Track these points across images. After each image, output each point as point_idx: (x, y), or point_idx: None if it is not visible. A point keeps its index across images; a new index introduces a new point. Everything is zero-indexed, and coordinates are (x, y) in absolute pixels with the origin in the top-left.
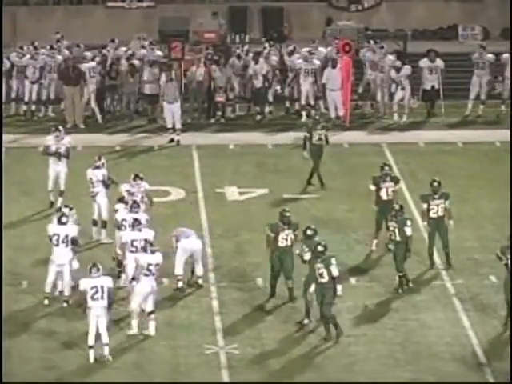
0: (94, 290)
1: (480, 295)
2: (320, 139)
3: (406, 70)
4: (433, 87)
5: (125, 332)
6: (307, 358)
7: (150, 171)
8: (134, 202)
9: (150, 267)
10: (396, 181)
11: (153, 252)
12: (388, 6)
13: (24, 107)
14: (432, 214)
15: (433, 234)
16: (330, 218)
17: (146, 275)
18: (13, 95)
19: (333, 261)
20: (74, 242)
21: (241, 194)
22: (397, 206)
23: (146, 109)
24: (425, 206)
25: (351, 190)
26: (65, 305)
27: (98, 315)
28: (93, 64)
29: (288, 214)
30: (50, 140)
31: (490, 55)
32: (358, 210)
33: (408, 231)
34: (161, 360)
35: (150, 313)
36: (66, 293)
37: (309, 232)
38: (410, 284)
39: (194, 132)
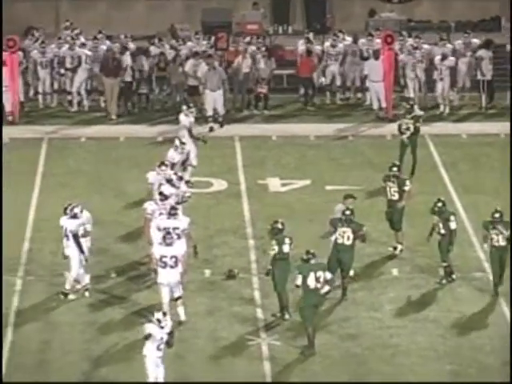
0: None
1: None
2: (407, 129)
3: (451, 61)
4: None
5: None
6: (348, 350)
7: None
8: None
9: (164, 259)
10: (401, 183)
11: (168, 244)
12: None
13: (68, 97)
14: (494, 243)
15: (494, 262)
16: (372, 209)
17: (162, 267)
18: (40, 88)
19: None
20: (85, 234)
21: (283, 185)
22: (440, 203)
23: (188, 100)
24: (485, 232)
25: None
26: (61, 297)
27: (156, 364)
28: (87, 51)
29: (348, 213)
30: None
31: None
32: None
33: (452, 225)
34: (202, 351)
35: (177, 299)
36: (67, 286)
37: (279, 226)
38: (454, 276)
39: (236, 123)
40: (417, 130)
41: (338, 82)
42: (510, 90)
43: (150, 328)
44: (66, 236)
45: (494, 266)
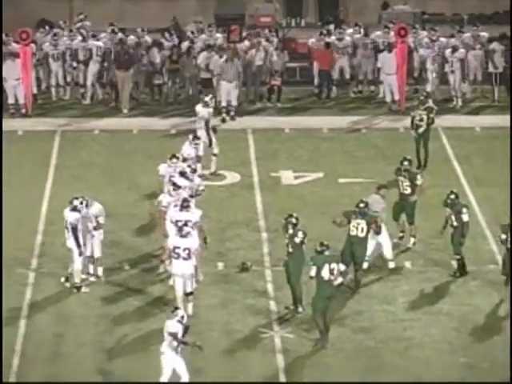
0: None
1: None
2: (421, 120)
3: (461, 53)
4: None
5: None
6: (361, 343)
7: (205, 155)
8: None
9: (177, 250)
10: (412, 177)
11: (183, 236)
12: None
13: (81, 90)
14: (508, 245)
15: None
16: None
17: (175, 258)
18: (53, 81)
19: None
20: (98, 226)
21: (296, 178)
22: (452, 196)
23: (203, 91)
24: (503, 236)
25: None
26: (75, 291)
27: (171, 358)
28: (100, 43)
29: (362, 205)
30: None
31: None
32: None
33: (464, 218)
34: (215, 344)
35: (187, 294)
36: (76, 279)
37: (293, 221)
38: (467, 269)
39: (249, 116)
40: (430, 121)
41: (347, 75)
42: (510, 85)
43: (172, 326)
44: (67, 228)
45: (505, 267)
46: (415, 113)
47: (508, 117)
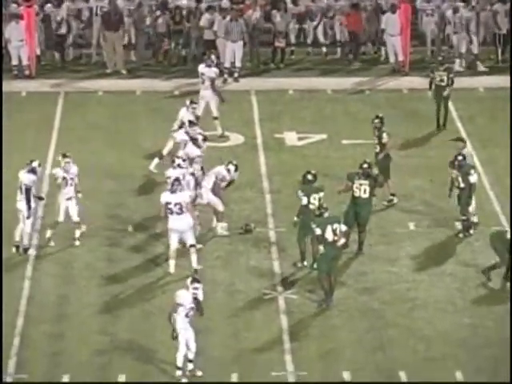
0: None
1: None
2: (441, 80)
3: (463, 13)
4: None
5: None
6: (365, 304)
7: (208, 116)
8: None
9: (169, 206)
10: (380, 135)
11: (173, 191)
12: None
13: (83, 51)
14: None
15: None
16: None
17: (171, 214)
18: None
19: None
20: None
21: (299, 139)
22: (460, 157)
23: (207, 53)
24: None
25: (409, 136)
26: (21, 253)
27: (184, 328)
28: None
29: (366, 166)
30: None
31: None
32: (417, 156)
33: (472, 179)
34: (219, 305)
35: (190, 246)
36: (25, 241)
37: (309, 177)
38: (471, 231)
39: (253, 77)
40: (450, 82)
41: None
42: (510, 46)
43: (180, 296)
44: (20, 189)
45: None
46: (435, 74)
47: (508, 77)
